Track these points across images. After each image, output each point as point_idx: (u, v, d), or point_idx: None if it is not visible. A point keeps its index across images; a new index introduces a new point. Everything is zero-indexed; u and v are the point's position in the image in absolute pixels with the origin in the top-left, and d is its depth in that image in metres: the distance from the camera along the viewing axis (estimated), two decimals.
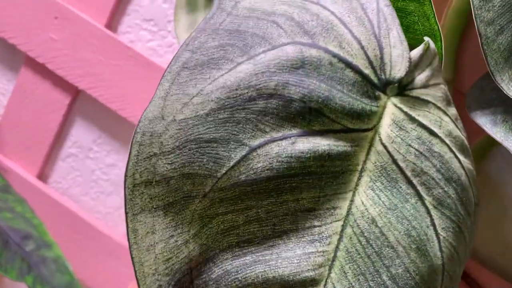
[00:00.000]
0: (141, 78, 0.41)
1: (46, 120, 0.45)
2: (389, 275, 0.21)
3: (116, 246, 0.44)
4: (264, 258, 0.21)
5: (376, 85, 0.22)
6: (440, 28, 0.30)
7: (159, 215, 0.21)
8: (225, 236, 0.21)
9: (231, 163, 0.21)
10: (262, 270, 0.20)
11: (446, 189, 0.22)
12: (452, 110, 0.24)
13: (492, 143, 0.33)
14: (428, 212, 0.22)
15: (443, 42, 0.30)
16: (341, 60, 0.21)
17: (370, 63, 0.21)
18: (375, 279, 0.21)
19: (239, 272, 0.20)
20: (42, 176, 0.46)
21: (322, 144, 0.21)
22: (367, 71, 0.21)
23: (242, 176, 0.21)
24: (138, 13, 0.42)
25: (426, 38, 0.24)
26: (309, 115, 0.21)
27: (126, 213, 0.21)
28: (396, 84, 0.22)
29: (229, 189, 0.21)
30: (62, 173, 0.46)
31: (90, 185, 0.46)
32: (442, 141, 0.22)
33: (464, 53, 0.33)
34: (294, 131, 0.21)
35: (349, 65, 0.21)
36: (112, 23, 0.43)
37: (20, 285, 0.49)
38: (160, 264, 0.21)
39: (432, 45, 0.24)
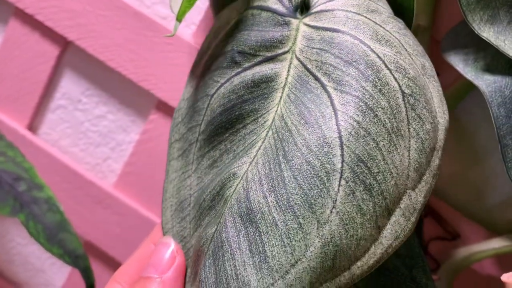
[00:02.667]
0: (129, 29, 0.42)
1: (35, 71, 0.45)
2: (282, 153, 0.23)
3: (105, 196, 0.45)
4: (220, 173, 0.26)
5: (284, 14, 0.26)
6: None
7: (179, 160, 0.29)
8: (211, 168, 0.27)
9: (203, 111, 0.28)
10: (215, 181, 0.26)
11: (344, 69, 0.23)
12: (376, 15, 0.25)
13: (466, 89, 0.34)
14: (329, 96, 0.23)
15: None
16: (258, 8, 0.27)
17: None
18: (275, 161, 0.23)
19: (206, 187, 0.26)
20: (32, 127, 0.47)
21: (248, 74, 0.26)
22: (276, 6, 0.26)
23: (208, 117, 0.27)
24: None
25: None
26: (238, 57, 0.26)
27: (167, 162, 0.30)
28: (303, 8, 0.26)
29: (205, 131, 0.27)
30: (51, 125, 0.47)
31: (79, 137, 0.47)
32: (344, 33, 0.24)
33: (443, 1, 0.34)
34: (233, 73, 0.26)
35: (262, 8, 0.26)
36: None
37: (9, 227, 0.51)
38: (174, 191, 0.28)
39: None
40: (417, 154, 0.23)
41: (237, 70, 0.26)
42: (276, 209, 0.22)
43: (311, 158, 0.22)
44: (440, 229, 0.39)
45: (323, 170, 0.21)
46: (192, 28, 0.42)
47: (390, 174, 0.22)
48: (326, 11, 0.25)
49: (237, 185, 0.24)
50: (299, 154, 0.22)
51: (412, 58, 0.24)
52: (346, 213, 0.21)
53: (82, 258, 0.35)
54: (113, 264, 0.47)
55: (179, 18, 0.27)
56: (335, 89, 0.23)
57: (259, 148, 0.24)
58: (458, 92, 0.35)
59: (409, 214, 0.23)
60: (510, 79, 0.28)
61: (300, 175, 0.22)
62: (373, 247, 0.22)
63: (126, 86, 0.44)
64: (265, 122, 0.25)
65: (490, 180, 0.38)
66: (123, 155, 0.46)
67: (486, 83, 0.28)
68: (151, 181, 0.45)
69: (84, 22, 0.42)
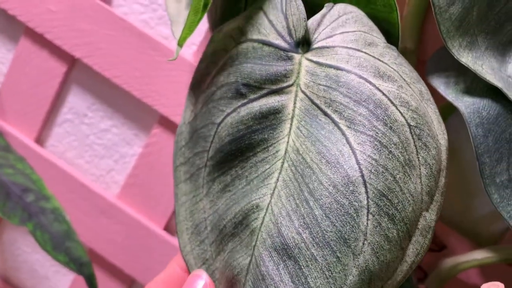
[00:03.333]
0: (134, 48, 0.44)
1: (44, 87, 0.48)
2: (308, 190, 0.24)
3: (108, 206, 0.47)
4: (237, 199, 0.27)
5: (286, 49, 0.27)
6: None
7: (187, 183, 0.30)
8: (223, 192, 0.28)
9: (211, 138, 0.29)
10: (234, 208, 0.27)
11: (355, 109, 0.25)
12: (374, 48, 0.27)
13: (450, 109, 0.36)
14: (343, 133, 0.25)
15: (407, 11, 0.34)
16: (259, 42, 0.28)
17: (279, 34, 0.27)
18: (300, 196, 0.25)
19: (224, 213, 0.27)
20: (40, 140, 0.49)
21: (255, 106, 0.27)
22: (277, 41, 0.27)
23: (217, 145, 0.28)
24: None
25: (329, 4, 0.29)
26: (244, 89, 0.27)
27: (174, 185, 0.31)
28: (304, 43, 0.27)
29: (214, 157, 0.28)
30: (58, 138, 0.49)
31: (85, 149, 0.49)
32: (349, 72, 0.25)
33: (429, 24, 0.36)
34: (239, 104, 0.28)
35: (264, 43, 0.28)
36: None
37: (16, 236, 0.53)
38: (187, 214, 0.29)
39: (337, 6, 0.28)
40: (427, 179, 0.26)
41: (243, 101, 0.27)
42: (313, 245, 0.24)
43: (339, 198, 0.24)
44: None
45: (352, 207, 0.24)
46: (193, 48, 0.44)
47: (407, 202, 0.24)
48: (328, 47, 0.26)
49: (264, 217, 0.25)
50: (327, 194, 0.24)
51: (411, 88, 0.26)
52: (376, 243, 0.24)
53: (86, 265, 0.37)
54: (115, 272, 0.49)
55: (180, 44, 0.29)
56: (348, 127, 0.25)
57: (277, 180, 0.26)
58: (443, 112, 0.37)
59: (426, 232, 0.26)
60: (488, 101, 0.30)
61: (332, 213, 0.24)
62: (400, 266, 0.25)
63: (130, 102, 0.46)
64: (276, 152, 0.26)
65: (475, 195, 0.40)
66: (126, 167, 0.48)
67: (465, 104, 0.30)
68: (153, 193, 0.47)
69: (91, 41, 0.45)
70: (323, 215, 0.24)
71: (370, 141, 0.24)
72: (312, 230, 0.24)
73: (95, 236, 0.48)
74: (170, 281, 0.29)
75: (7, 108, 0.49)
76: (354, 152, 0.24)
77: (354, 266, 0.23)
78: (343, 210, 0.24)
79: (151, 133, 0.46)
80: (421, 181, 0.25)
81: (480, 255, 0.37)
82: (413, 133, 0.25)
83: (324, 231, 0.24)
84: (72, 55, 0.45)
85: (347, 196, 0.24)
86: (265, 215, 0.25)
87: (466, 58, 0.30)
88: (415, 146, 0.25)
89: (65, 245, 0.37)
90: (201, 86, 0.31)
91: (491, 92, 0.30)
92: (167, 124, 0.45)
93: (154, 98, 0.44)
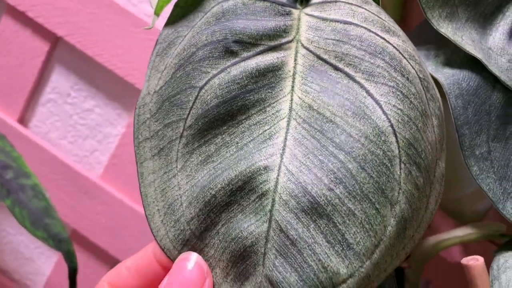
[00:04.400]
0: (117, 25, 0.43)
1: (27, 67, 0.47)
2: (334, 144, 0.23)
3: (92, 186, 0.47)
4: (228, 166, 0.25)
5: (284, 4, 0.26)
6: None
7: (155, 159, 0.27)
8: (204, 164, 0.25)
9: (190, 104, 0.26)
10: (227, 174, 0.24)
11: (372, 61, 0.24)
12: (371, 6, 0.26)
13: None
14: (362, 86, 0.24)
15: None
16: None
17: None
18: (323, 152, 0.24)
19: (211, 182, 0.25)
20: (23, 120, 0.49)
21: (250, 64, 0.25)
22: None
23: (199, 110, 0.25)
24: None
25: None
26: (235, 47, 0.25)
27: (136, 162, 0.27)
28: None
29: (194, 125, 0.25)
30: (41, 118, 0.49)
31: (68, 129, 0.49)
32: (358, 25, 0.25)
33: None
34: (228, 63, 0.25)
35: None
36: None
37: (0, 218, 0.52)
38: (158, 194, 0.26)
39: None
40: (438, 129, 0.26)
41: (235, 60, 0.25)
42: (350, 200, 0.23)
43: (373, 148, 0.23)
44: None
45: (386, 157, 0.23)
46: None
47: (428, 151, 0.25)
48: (329, 2, 0.26)
49: (277, 178, 0.24)
50: (359, 145, 0.23)
51: (410, 43, 0.27)
52: (408, 191, 0.24)
53: (65, 242, 0.36)
54: (98, 253, 0.49)
55: (157, 13, 0.29)
56: (367, 80, 0.24)
57: (285, 139, 0.24)
58: None
59: (440, 180, 0.26)
60: (468, 73, 0.30)
61: (367, 165, 0.23)
62: (425, 213, 0.25)
63: (113, 81, 0.46)
64: (277, 112, 0.25)
65: (458, 173, 0.40)
66: (109, 148, 0.48)
67: (445, 76, 0.30)
68: (136, 173, 0.46)
69: (74, 19, 0.44)
70: (358, 167, 0.23)
71: (392, 91, 0.24)
72: (347, 184, 0.23)
73: (79, 217, 0.47)
74: (142, 266, 0.26)
75: None
76: (378, 103, 0.24)
77: (392, 216, 0.23)
78: (378, 161, 0.23)
79: (133, 112, 0.45)
80: (434, 130, 0.26)
81: (462, 232, 0.36)
82: (423, 85, 0.25)
83: (361, 184, 0.23)
84: (54, 33, 0.45)
85: (381, 146, 0.23)
86: (278, 176, 0.24)
87: (446, 29, 0.29)
88: (426, 97, 0.26)
89: (44, 221, 0.36)
90: (170, 51, 0.28)
91: (471, 63, 0.30)
92: None
93: (136, 76, 0.44)
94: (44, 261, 0.52)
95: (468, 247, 0.41)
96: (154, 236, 0.25)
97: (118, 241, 0.47)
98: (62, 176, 0.47)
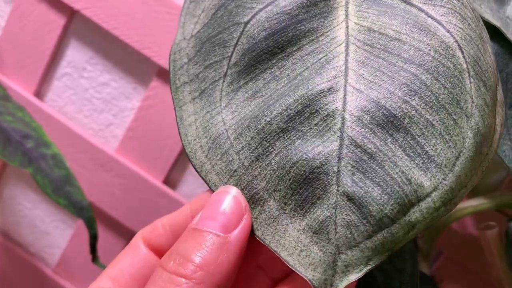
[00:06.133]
0: None
1: (42, 40, 0.48)
2: (402, 60, 0.23)
3: (108, 160, 0.47)
4: (283, 94, 0.24)
5: None
6: None
7: (196, 102, 0.26)
8: (251, 99, 0.24)
9: (235, 41, 0.25)
10: (283, 101, 0.23)
11: None
12: None
13: None
14: (420, 9, 0.24)
15: None
16: None
17: None
18: (392, 68, 0.23)
19: (264, 111, 0.24)
20: (39, 94, 0.50)
21: None
22: None
23: (245, 45, 0.25)
24: None
25: None
26: None
27: (175, 108, 0.26)
28: None
29: (240, 62, 0.25)
30: (57, 92, 0.49)
31: (84, 103, 0.49)
32: None
33: None
34: None
35: None
36: None
37: (17, 192, 0.53)
38: (199, 131, 0.25)
39: None
40: (491, 54, 0.26)
41: None
42: (427, 111, 0.23)
43: (444, 60, 0.23)
44: None
45: (456, 70, 0.23)
46: None
47: (490, 72, 0.25)
48: None
49: (344, 98, 0.23)
50: (430, 58, 0.23)
51: None
52: (480, 106, 0.24)
53: (86, 209, 0.37)
54: (115, 225, 0.50)
55: None
56: (424, 3, 0.24)
57: (346, 61, 0.24)
58: None
59: (502, 105, 0.26)
60: None
61: (440, 76, 0.23)
62: (493, 133, 0.25)
63: (129, 54, 0.46)
64: (332, 39, 0.24)
65: None
66: (125, 121, 0.48)
67: None
68: (152, 146, 0.47)
69: None
70: (432, 78, 0.23)
71: (451, 13, 0.24)
72: (423, 95, 0.23)
73: (95, 189, 0.48)
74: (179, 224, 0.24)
75: (6, 62, 0.49)
76: (440, 23, 0.24)
77: (469, 128, 0.23)
78: (450, 73, 0.23)
79: (149, 86, 0.46)
80: (490, 54, 0.26)
81: (475, 202, 0.37)
82: (474, 13, 0.26)
83: (437, 94, 0.23)
84: (71, 6, 0.45)
85: (450, 59, 0.23)
86: (345, 95, 0.23)
87: None
88: (479, 24, 0.26)
89: (65, 189, 0.37)
90: None
91: (490, 32, 0.30)
92: (166, 77, 0.45)
93: (153, 50, 0.44)
94: (60, 234, 0.53)
95: (480, 220, 0.41)
96: (198, 173, 0.24)
97: (134, 213, 0.48)
98: (78, 149, 0.48)
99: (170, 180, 0.48)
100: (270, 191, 0.22)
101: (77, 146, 0.48)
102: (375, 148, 0.22)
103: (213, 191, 0.23)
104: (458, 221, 0.42)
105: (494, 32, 0.30)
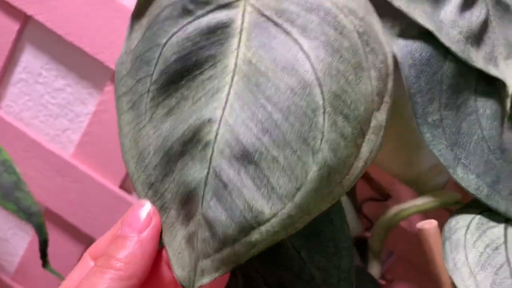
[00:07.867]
0: (87, 4, 0.44)
1: None
2: (264, 97, 0.25)
3: (64, 164, 0.47)
4: (184, 118, 0.27)
5: None
6: None
7: (129, 112, 0.29)
8: (167, 116, 0.27)
9: (155, 61, 0.28)
10: (182, 126, 0.26)
11: (307, 17, 0.26)
12: None
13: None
14: (295, 41, 0.26)
15: None
16: None
17: None
18: (256, 104, 0.25)
19: (170, 134, 0.27)
20: None
21: (202, 22, 0.27)
22: None
23: (161, 66, 0.28)
24: None
25: None
26: (191, 6, 0.27)
27: (117, 116, 0.29)
28: None
29: (158, 80, 0.28)
30: (13, 98, 0.49)
31: (39, 109, 0.49)
32: None
33: None
34: (185, 22, 0.27)
35: None
36: None
37: None
38: (132, 143, 0.28)
39: None
40: (377, 81, 0.27)
41: (190, 19, 0.27)
42: (274, 148, 0.25)
43: (297, 100, 0.25)
44: (373, 191, 0.42)
45: (309, 108, 0.25)
46: None
47: (360, 102, 0.26)
48: None
49: (218, 129, 0.26)
50: (285, 98, 0.25)
51: (356, 0, 0.28)
52: (332, 140, 0.25)
53: (36, 215, 0.37)
54: (72, 231, 0.49)
55: None
56: (301, 34, 0.26)
57: (228, 93, 0.26)
58: None
59: (378, 131, 0.27)
60: (420, 44, 0.31)
61: (291, 115, 0.25)
62: (356, 162, 0.27)
63: (84, 59, 0.46)
64: (225, 67, 0.27)
65: (418, 148, 0.41)
66: (81, 126, 0.48)
67: (399, 47, 0.31)
68: (108, 150, 0.47)
69: None
70: (282, 118, 0.25)
71: (323, 46, 0.26)
72: (272, 133, 0.25)
73: (51, 195, 0.48)
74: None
75: None
76: (308, 57, 0.25)
77: (314, 163, 0.25)
78: (301, 111, 0.25)
79: (104, 91, 0.46)
80: (371, 83, 0.27)
81: (420, 201, 0.38)
82: (362, 39, 0.27)
83: (284, 133, 0.25)
84: (24, 12, 0.45)
85: (304, 98, 0.25)
86: (219, 127, 0.26)
87: (400, 1, 0.31)
88: (364, 51, 0.27)
89: (15, 194, 0.37)
90: (143, 13, 0.30)
91: (424, 35, 0.31)
92: None
93: (106, 54, 0.44)
94: (18, 241, 0.53)
95: (428, 218, 0.42)
96: (131, 180, 0.28)
97: (91, 218, 0.48)
98: (34, 155, 0.48)
99: (127, 185, 0.48)
100: (171, 203, 0.26)
101: (33, 152, 0.48)
102: (228, 178, 0.25)
103: (138, 197, 0.27)
104: (406, 219, 0.43)
105: (429, 35, 0.31)
